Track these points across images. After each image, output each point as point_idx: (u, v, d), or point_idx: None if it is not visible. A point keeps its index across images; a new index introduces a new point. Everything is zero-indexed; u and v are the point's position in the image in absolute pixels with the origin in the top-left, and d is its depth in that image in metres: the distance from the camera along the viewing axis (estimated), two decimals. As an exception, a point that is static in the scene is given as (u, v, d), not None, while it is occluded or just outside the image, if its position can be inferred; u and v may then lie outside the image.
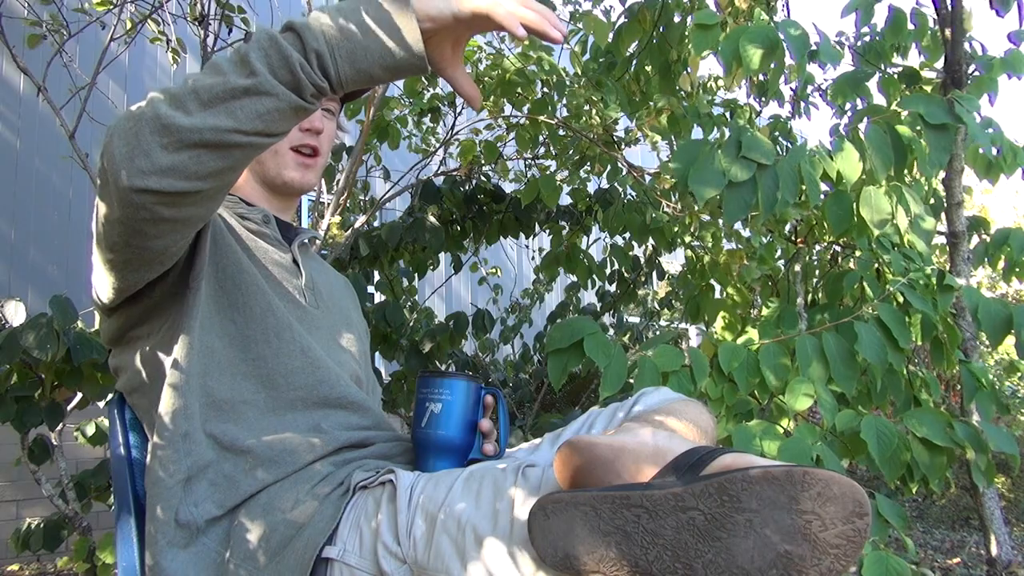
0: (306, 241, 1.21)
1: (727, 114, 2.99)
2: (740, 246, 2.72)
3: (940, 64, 2.35)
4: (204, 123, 0.75)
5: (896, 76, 2.36)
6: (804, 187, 1.64)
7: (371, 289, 2.91)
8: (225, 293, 1.01)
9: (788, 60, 1.76)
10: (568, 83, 2.61)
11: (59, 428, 2.12)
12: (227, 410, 0.98)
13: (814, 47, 1.81)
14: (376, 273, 3.00)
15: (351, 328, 1.20)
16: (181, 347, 0.95)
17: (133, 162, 0.75)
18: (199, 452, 0.95)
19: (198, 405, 0.96)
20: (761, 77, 2.12)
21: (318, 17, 0.78)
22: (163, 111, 0.75)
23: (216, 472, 0.96)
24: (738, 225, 2.68)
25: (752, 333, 1.81)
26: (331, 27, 0.78)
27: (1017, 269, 2.18)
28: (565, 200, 3.09)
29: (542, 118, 2.64)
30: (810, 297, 2.50)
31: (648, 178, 2.85)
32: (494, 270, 4.23)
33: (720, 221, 2.73)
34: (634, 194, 3.05)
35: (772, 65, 1.68)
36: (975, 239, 2.39)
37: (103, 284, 0.93)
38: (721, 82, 3.21)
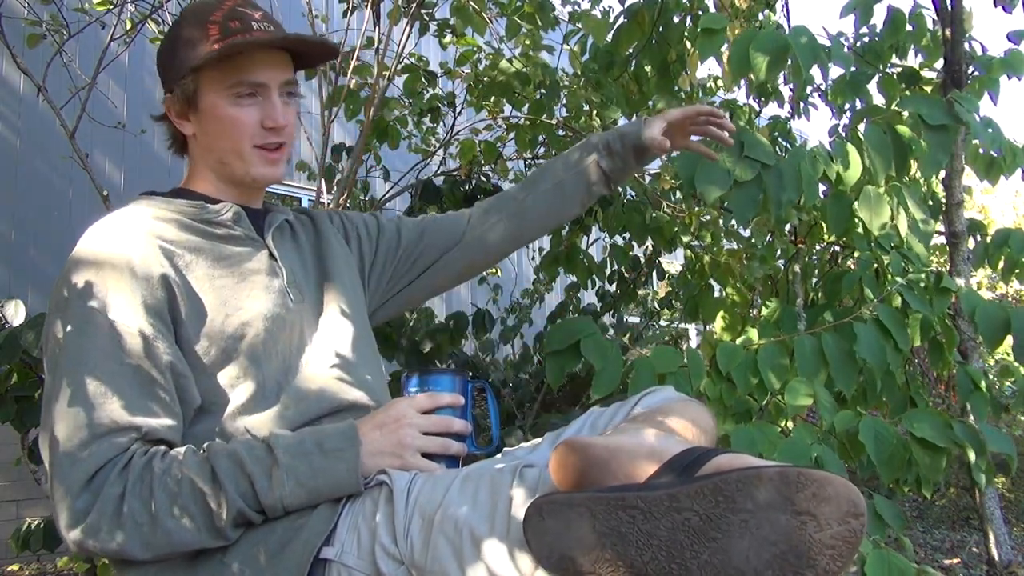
0: (279, 223, 1.15)
1: (727, 115, 2.98)
2: (739, 246, 2.72)
3: (940, 64, 2.35)
4: None
5: (896, 76, 2.35)
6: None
7: (371, 289, 2.90)
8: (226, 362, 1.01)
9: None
10: (566, 84, 2.60)
11: (59, 428, 2.12)
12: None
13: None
14: (376, 273, 2.99)
15: (342, 294, 1.15)
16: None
17: None
18: None
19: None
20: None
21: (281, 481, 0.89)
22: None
23: None
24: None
25: (751, 333, 1.81)
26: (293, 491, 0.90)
27: (1017, 270, 2.18)
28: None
29: (542, 118, 2.64)
30: (810, 297, 2.49)
31: (648, 179, 2.84)
32: (494, 270, 4.22)
33: (720, 221, 2.72)
34: (634, 194, 3.05)
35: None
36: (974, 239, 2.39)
37: None
38: (720, 83, 3.21)
